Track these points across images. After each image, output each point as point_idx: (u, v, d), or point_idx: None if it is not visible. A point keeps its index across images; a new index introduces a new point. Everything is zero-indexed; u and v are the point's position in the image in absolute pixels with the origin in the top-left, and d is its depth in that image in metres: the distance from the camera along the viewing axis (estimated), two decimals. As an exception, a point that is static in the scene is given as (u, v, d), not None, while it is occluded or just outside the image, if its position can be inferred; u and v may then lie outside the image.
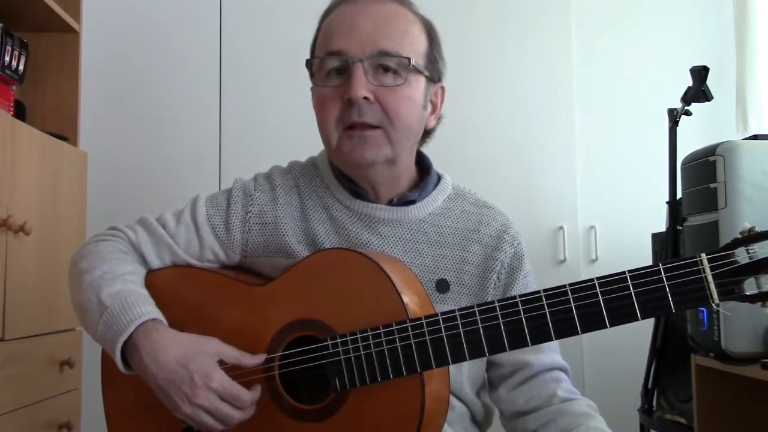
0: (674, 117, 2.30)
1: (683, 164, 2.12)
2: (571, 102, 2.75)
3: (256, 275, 1.28)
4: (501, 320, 1.04)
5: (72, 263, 1.25)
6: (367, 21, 1.20)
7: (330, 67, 1.21)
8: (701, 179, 1.97)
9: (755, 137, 2.01)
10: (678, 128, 2.31)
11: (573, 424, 1.19)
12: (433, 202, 1.30)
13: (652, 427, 2.30)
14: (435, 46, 1.27)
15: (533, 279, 1.32)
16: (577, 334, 1.02)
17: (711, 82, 2.23)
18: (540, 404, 1.24)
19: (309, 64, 1.26)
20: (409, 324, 1.06)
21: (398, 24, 1.21)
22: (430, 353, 1.05)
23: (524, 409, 1.25)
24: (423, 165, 1.34)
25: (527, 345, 1.04)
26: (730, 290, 0.97)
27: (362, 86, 1.17)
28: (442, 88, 1.30)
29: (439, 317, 1.06)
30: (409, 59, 1.19)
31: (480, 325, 1.04)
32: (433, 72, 1.26)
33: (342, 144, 1.21)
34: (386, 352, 1.06)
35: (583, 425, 1.18)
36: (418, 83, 1.23)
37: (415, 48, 1.22)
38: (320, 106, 1.23)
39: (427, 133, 1.32)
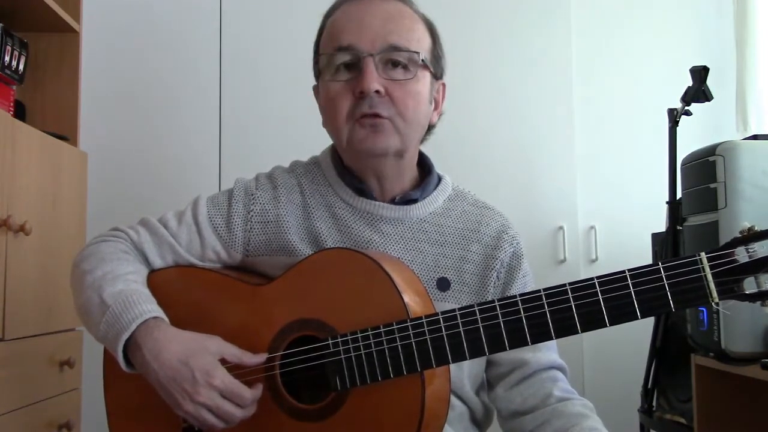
0: (674, 117, 2.30)
1: (683, 164, 2.12)
2: (571, 102, 2.75)
3: (257, 275, 1.28)
4: (501, 319, 1.04)
5: (74, 264, 1.26)
6: (375, 18, 1.22)
7: (340, 62, 1.22)
8: (701, 179, 1.97)
9: (755, 137, 2.01)
10: (678, 128, 2.31)
11: (567, 425, 1.19)
12: (434, 202, 1.31)
13: (652, 427, 2.30)
14: (437, 44, 1.30)
15: (532, 280, 1.33)
16: (577, 333, 1.02)
17: (711, 82, 2.23)
18: (536, 404, 1.24)
19: (316, 61, 1.27)
20: (409, 323, 1.06)
21: (405, 21, 1.24)
22: (431, 352, 1.05)
23: (521, 408, 1.25)
24: (425, 165, 1.35)
25: (527, 344, 1.04)
26: (730, 289, 0.97)
27: (374, 80, 1.19)
28: (443, 85, 1.33)
29: (440, 316, 1.06)
30: (418, 53, 1.22)
31: (480, 324, 1.05)
32: (437, 69, 1.29)
33: (354, 134, 1.22)
34: (387, 351, 1.06)
35: (577, 426, 1.18)
36: (425, 79, 1.25)
37: (422, 44, 1.25)
38: (330, 100, 1.24)
39: (429, 129, 1.33)
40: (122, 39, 2.71)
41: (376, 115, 1.20)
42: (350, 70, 1.22)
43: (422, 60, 1.23)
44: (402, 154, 1.25)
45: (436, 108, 1.32)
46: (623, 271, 1.01)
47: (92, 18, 2.57)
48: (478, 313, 1.05)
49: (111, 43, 2.69)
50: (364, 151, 1.23)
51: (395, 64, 1.22)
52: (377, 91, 1.19)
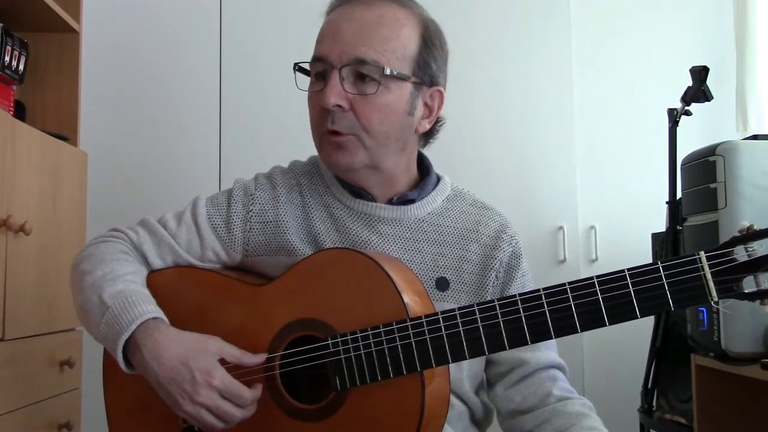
0: (674, 117, 2.30)
1: (683, 164, 2.12)
2: (571, 102, 2.75)
3: (257, 275, 1.28)
4: (501, 319, 1.04)
5: (74, 265, 1.26)
6: (350, 27, 1.20)
7: (315, 71, 1.23)
8: (701, 179, 1.97)
9: (755, 137, 2.01)
10: (678, 128, 2.31)
11: (567, 424, 1.19)
12: (433, 202, 1.30)
13: (652, 427, 2.30)
14: (429, 50, 1.24)
15: (531, 279, 1.32)
16: (577, 332, 1.02)
17: (711, 82, 2.23)
18: (536, 403, 1.24)
19: (297, 67, 1.27)
20: (409, 323, 1.06)
21: (381, 30, 1.20)
22: (430, 352, 1.05)
23: (521, 408, 1.25)
24: (423, 166, 1.35)
25: (527, 343, 1.04)
26: (729, 288, 0.97)
27: (334, 95, 1.18)
28: (440, 91, 1.27)
29: (439, 316, 1.06)
30: (382, 68, 1.18)
31: (480, 324, 1.05)
32: (424, 76, 1.24)
33: (321, 148, 1.24)
34: (386, 351, 1.06)
35: (577, 425, 1.18)
36: (400, 90, 1.21)
37: (399, 54, 1.20)
38: (309, 108, 1.25)
39: (427, 135, 1.32)
40: (122, 39, 2.71)
41: (338, 132, 1.20)
42: (322, 80, 1.21)
43: (389, 73, 1.18)
44: (375, 167, 1.24)
45: (429, 116, 1.27)
46: (622, 271, 1.01)
47: (92, 18, 2.57)
48: (477, 313, 1.05)
49: (111, 43, 2.70)
50: (330, 166, 1.25)
51: (363, 76, 1.19)
52: (340, 106, 1.18)
